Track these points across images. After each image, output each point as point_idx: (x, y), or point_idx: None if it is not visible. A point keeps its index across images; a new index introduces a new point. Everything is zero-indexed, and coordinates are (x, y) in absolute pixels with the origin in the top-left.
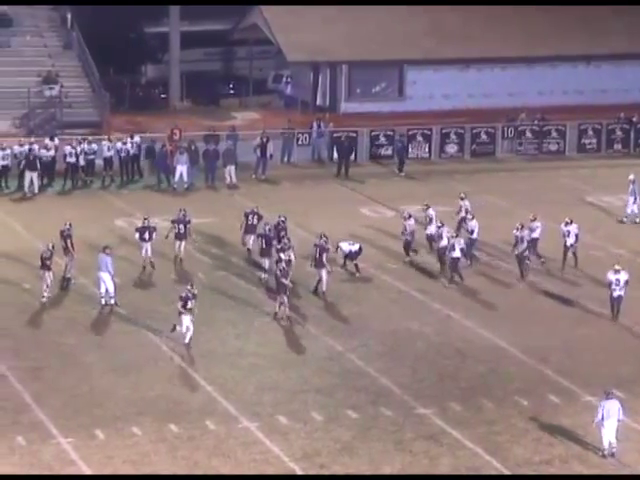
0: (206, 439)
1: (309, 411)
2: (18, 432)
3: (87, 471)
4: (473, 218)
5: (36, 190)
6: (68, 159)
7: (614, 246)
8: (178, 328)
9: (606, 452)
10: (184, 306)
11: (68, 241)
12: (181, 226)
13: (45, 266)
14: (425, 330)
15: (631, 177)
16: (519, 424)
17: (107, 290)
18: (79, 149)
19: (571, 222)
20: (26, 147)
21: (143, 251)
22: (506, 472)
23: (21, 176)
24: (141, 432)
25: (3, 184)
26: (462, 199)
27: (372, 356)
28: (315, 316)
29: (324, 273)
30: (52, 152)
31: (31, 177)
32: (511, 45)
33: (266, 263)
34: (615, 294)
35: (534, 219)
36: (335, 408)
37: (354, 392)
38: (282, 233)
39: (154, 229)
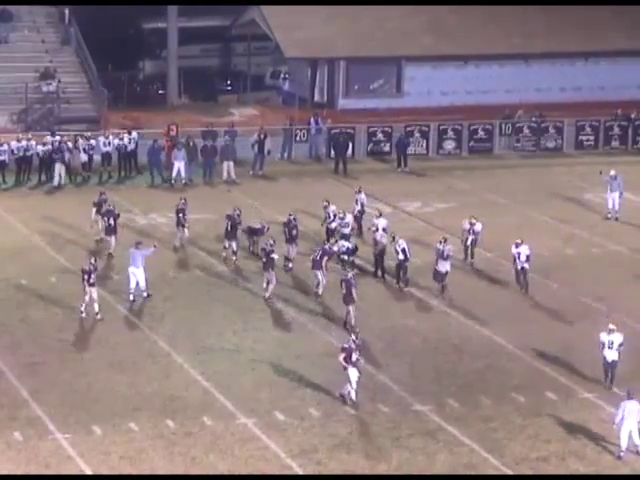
0: (203, 435)
1: (306, 407)
2: (15, 428)
3: (84, 467)
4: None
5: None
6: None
7: (613, 243)
8: (346, 390)
9: (622, 453)
10: (348, 359)
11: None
12: (180, 215)
13: (87, 281)
14: (422, 327)
15: (612, 173)
16: (516, 421)
17: (137, 284)
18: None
19: (522, 243)
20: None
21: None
22: (503, 469)
23: (19, 171)
24: (138, 428)
25: (0, 179)
26: (358, 192)
27: (369, 352)
28: (312, 311)
29: (321, 276)
30: (50, 147)
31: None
32: (509, 42)
33: (233, 245)
34: (609, 358)
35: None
36: (332, 404)
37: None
38: (294, 232)
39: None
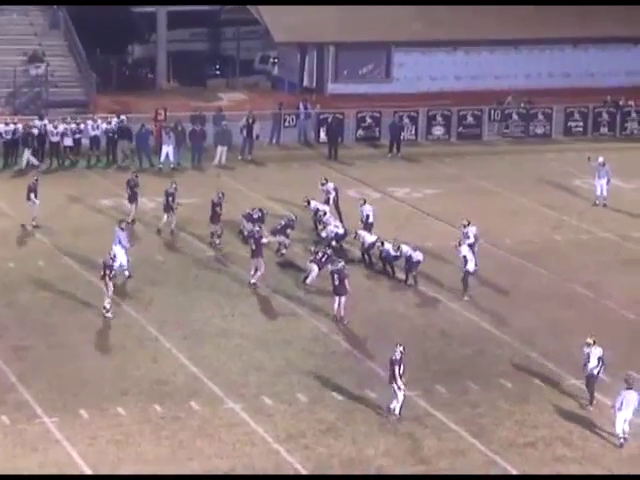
0: (191, 420)
1: (294, 392)
2: (3, 412)
3: (71, 450)
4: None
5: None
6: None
7: (601, 230)
8: (393, 404)
9: (622, 440)
10: (395, 374)
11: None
12: (170, 199)
13: (107, 275)
14: (410, 312)
15: (600, 160)
16: (504, 406)
17: (120, 264)
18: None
19: (469, 224)
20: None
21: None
22: (490, 454)
23: (7, 154)
24: (125, 412)
25: None
26: (323, 184)
27: (357, 338)
28: (300, 297)
29: (315, 272)
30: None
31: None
32: (498, 28)
33: (217, 229)
34: (587, 371)
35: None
36: (320, 390)
37: (339, 374)
38: (288, 230)
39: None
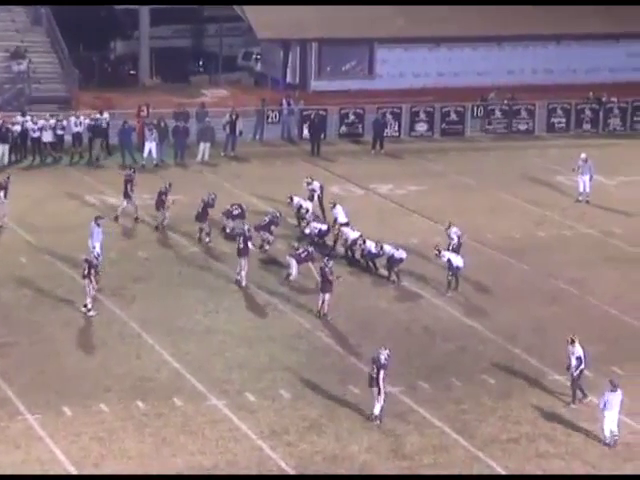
0: (174, 416)
1: (277, 389)
2: None
3: (54, 447)
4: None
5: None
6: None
7: (584, 226)
8: (376, 410)
9: (608, 441)
10: (380, 379)
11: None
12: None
13: (90, 274)
14: (394, 308)
15: (583, 156)
16: (487, 402)
17: (97, 255)
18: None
19: (450, 226)
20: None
21: None
22: (473, 450)
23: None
24: (108, 409)
25: None
26: (309, 184)
27: (341, 334)
28: (283, 294)
29: (295, 269)
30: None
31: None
32: (481, 24)
33: (205, 228)
34: (570, 369)
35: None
36: (303, 386)
37: (322, 370)
38: (272, 227)
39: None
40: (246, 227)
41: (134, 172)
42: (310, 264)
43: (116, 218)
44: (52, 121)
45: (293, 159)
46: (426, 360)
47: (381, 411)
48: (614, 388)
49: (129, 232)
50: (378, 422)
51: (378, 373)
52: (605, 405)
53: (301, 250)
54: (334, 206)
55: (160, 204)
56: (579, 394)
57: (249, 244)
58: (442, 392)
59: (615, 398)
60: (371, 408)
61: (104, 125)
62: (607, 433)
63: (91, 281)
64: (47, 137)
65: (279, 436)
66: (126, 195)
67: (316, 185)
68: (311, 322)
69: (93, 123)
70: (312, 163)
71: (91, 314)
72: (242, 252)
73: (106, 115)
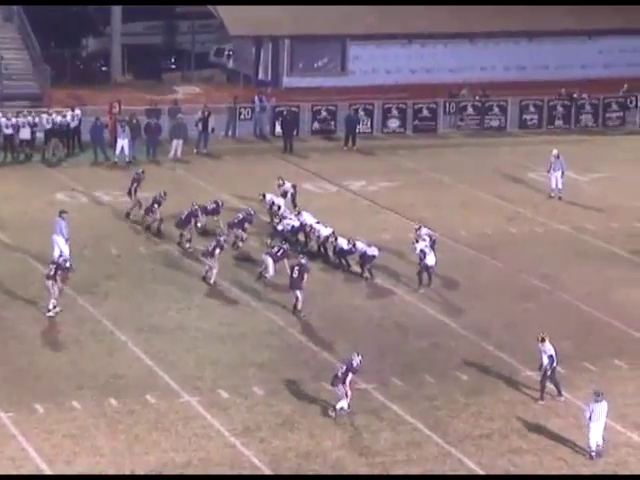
0: (146, 413)
1: (250, 386)
2: None
3: (27, 445)
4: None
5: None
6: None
7: (556, 222)
8: (340, 404)
9: (593, 453)
10: (347, 380)
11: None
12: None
13: (56, 275)
14: (366, 305)
15: (555, 152)
16: (460, 399)
17: (61, 253)
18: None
19: (419, 228)
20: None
21: None
22: (446, 446)
23: None
24: (81, 406)
25: None
26: (280, 186)
27: (313, 331)
28: (256, 291)
29: (271, 267)
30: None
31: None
32: (453, 21)
33: (185, 233)
34: (542, 368)
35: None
36: (276, 383)
37: (295, 367)
38: (245, 224)
39: None
40: (222, 238)
41: (143, 173)
42: (285, 261)
43: (127, 215)
44: (29, 118)
45: (266, 156)
46: (399, 357)
47: (348, 408)
48: (599, 398)
49: (101, 229)
50: (334, 415)
51: (346, 375)
52: (591, 416)
53: (277, 248)
54: (299, 214)
55: (149, 210)
56: (554, 391)
57: (217, 251)
58: (415, 389)
59: (601, 408)
60: (335, 395)
61: (74, 123)
62: (592, 445)
63: (56, 281)
64: (24, 134)
65: (252, 433)
66: (130, 193)
67: (288, 186)
68: (284, 319)
69: (58, 121)
70: (285, 160)
71: (50, 314)
72: (212, 253)
73: (78, 112)
